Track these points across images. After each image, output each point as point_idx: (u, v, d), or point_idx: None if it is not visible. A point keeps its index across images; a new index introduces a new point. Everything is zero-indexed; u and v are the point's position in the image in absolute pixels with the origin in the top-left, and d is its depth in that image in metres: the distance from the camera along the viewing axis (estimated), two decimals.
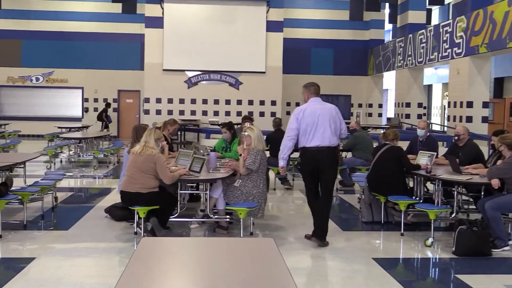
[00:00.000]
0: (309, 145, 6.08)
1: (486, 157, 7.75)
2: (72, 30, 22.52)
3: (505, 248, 6.05)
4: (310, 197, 6.34)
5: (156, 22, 19.79)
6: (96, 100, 23.02)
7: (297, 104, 23.51)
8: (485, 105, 15.39)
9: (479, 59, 15.01)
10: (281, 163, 6.23)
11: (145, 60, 20.13)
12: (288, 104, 23.32)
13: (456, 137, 7.83)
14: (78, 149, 13.69)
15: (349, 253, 6.00)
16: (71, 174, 11.98)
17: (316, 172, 6.16)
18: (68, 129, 17.00)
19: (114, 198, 8.30)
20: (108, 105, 21.60)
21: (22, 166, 8.17)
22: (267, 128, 11.60)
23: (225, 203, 6.56)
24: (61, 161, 13.80)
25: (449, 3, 22.64)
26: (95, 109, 22.93)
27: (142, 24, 20.70)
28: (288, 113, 23.00)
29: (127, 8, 19.23)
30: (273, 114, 19.85)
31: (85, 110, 23.00)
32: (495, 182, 6.09)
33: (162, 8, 19.78)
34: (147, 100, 20.19)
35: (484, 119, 15.38)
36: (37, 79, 22.78)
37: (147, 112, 20.15)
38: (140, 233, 6.32)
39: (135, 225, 6.48)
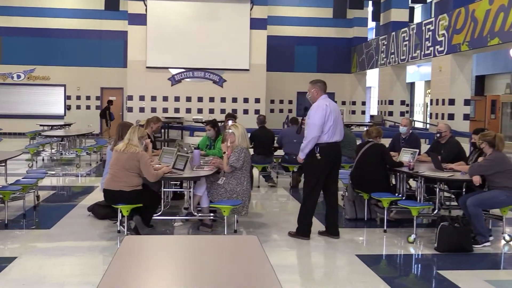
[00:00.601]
0: (331, 140, 6.15)
1: (467, 154, 7.83)
2: (54, 27, 22.30)
3: (486, 244, 6.13)
4: (316, 197, 6.35)
5: (139, 19, 19.66)
6: (78, 97, 22.83)
7: (281, 102, 23.64)
8: (467, 102, 15.57)
9: (461, 57, 15.16)
10: (302, 156, 6.23)
11: (128, 57, 19.97)
12: (272, 101, 23.36)
13: (438, 135, 7.90)
14: (61, 147, 13.57)
15: (333, 250, 6.03)
16: (53, 172, 11.87)
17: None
18: (50, 127, 16.85)
19: (97, 196, 8.24)
20: (110, 102, 21.20)
21: (3, 164, 8.07)
22: (251, 126, 11.60)
23: (209, 201, 6.55)
24: (43, 159, 13.67)
25: (431, 1, 22.84)
26: (78, 107, 22.75)
27: (125, 21, 20.54)
28: (272, 110, 23.08)
29: (110, 5, 19.09)
30: (257, 111, 19.83)
31: (67, 107, 22.79)
32: (476, 179, 6.16)
33: (145, 5, 19.65)
34: (130, 98, 20.05)
35: (466, 117, 15.56)
36: (18, 76, 22.52)
37: (130, 109, 20.02)
38: (123, 232, 6.29)
39: (118, 223, 6.45)
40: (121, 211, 6.22)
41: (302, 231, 6.33)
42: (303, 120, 6.43)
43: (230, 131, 6.70)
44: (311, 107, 6.28)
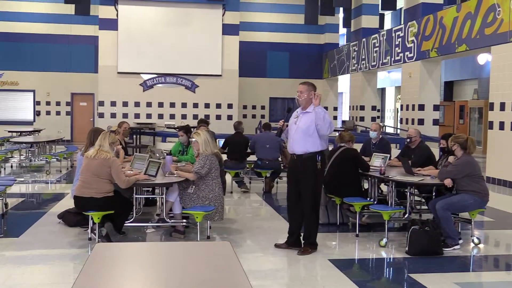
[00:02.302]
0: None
1: (437, 159, 7.96)
2: (23, 32, 21.92)
3: (456, 247, 6.24)
4: (318, 207, 6.29)
5: (111, 24, 19.50)
6: (48, 103, 22.48)
7: (254, 107, 23.68)
8: (436, 108, 15.84)
9: (430, 63, 15.43)
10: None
11: (99, 62, 19.78)
12: (245, 107, 23.39)
13: (408, 140, 8.01)
14: (30, 154, 13.35)
15: (306, 255, 6.05)
16: (22, 179, 11.65)
17: None
18: (19, 133, 16.56)
19: (67, 203, 8.11)
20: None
21: None
22: (225, 131, 11.60)
23: (181, 207, 6.51)
24: (11, 166, 13.41)
25: (401, 9, 23.21)
26: (48, 113, 22.41)
27: (96, 26, 20.35)
28: (245, 116, 23.11)
29: (81, 10, 18.87)
30: (229, 117, 19.84)
31: (37, 113, 22.42)
32: (448, 181, 6.26)
33: (117, 10, 19.50)
34: (101, 104, 19.85)
35: (435, 122, 15.83)
36: None
37: (101, 115, 19.82)
38: (94, 239, 6.21)
39: (89, 230, 6.36)
40: (92, 218, 6.14)
41: (316, 244, 6.20)
42: (284, 122, 6.31)
43: (193, 139, 6.66)
44: (315, 111, 5.98)
